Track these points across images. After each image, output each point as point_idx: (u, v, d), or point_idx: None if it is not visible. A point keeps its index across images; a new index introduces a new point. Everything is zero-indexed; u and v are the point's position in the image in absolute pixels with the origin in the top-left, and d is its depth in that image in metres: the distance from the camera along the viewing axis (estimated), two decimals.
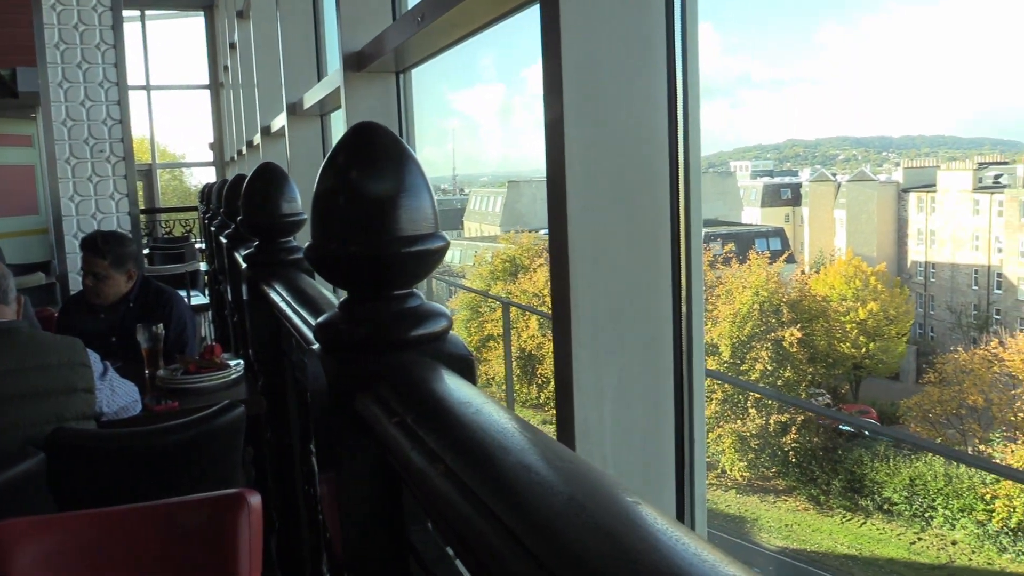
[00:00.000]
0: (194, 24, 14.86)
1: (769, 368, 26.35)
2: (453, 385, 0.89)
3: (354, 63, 3.04)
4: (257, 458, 3.03)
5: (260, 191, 2.13)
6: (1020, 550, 19.82)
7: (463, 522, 0.60)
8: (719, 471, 25.32)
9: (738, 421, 24.71)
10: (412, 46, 2.56)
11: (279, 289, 1.80)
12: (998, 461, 22.33)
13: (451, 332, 1.03)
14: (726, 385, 26.71)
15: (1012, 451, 21.82)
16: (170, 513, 1.67)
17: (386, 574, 0.92)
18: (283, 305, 1.69)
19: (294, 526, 2.06)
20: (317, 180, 1.02)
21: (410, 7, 2.79)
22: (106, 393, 2.52)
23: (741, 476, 24.85)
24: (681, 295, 1.49)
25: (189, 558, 1.65)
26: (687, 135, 1.51)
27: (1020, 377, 23.75)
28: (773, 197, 53.48)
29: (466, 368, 0.98)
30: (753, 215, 51.93)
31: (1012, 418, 23.03)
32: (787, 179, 59.11)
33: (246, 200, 2.18)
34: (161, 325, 3.40)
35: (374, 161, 0.99)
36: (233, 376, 3.23)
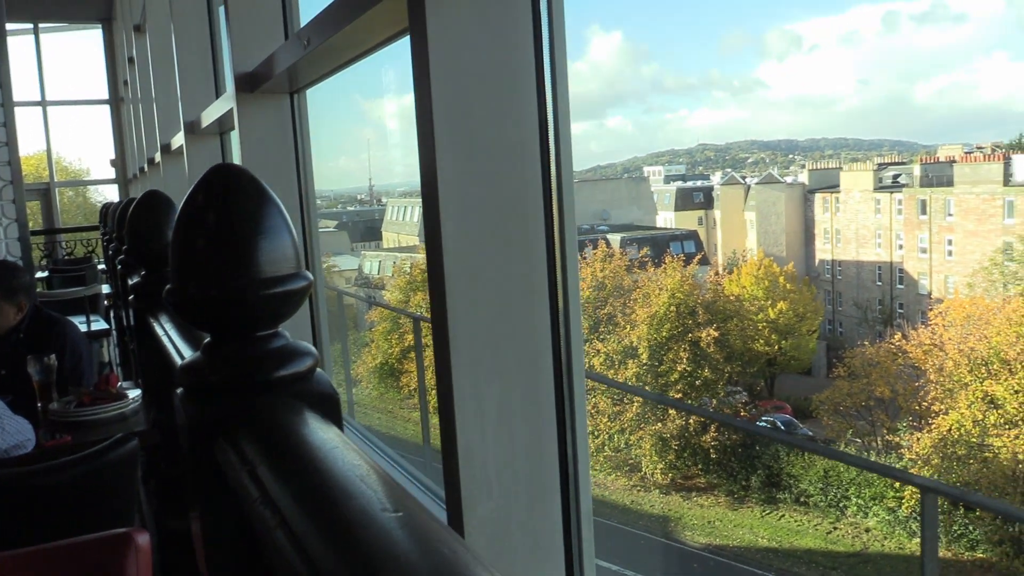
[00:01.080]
0: (92, 37, 14.40)
1: (688, 368, 26.87)
2: (313, 427, 0.89)
3: (247, 84, 3.00)
4: (159, 492, 2.95)
5: (145, 220, 2.08)
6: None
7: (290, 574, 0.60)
8: (642, 474, 25.68)
9: (658, 423, 25.11)
10: (302, 68, 2.54)
11: (163, 323, 1.76)
12: (905, 449, 23.25)
13: (317, 371, 1.03)
14: (647, 387, 27.15)
15: (918, 439, 22.72)
16: (51, 558, 1.62)
17: None
18: (165, 340, 1.65)
19: (187, 564, 2.02)
20: (175, 222, 1.01)
21: (298, 29, 2.77)
22: None
23: (663, 477, 25.24)
24: (559, 312, 1.52)
25: None
26: (559, 152, 1.54)
27: (923, 368, 24.77)
28: (686, 201, 54.66)
29: (330, 407, 0.98)
30: (667, 219, 52.98)
31: (917, 407, 23.99)
32: (699, 183, 60.55)
33: (131, 229, 2.13)
34: (53, 356, 3.28)
35: (232, 203, 0.98)
36: (130, 407, 3.13)
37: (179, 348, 1.47)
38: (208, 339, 1.05)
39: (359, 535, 0.60)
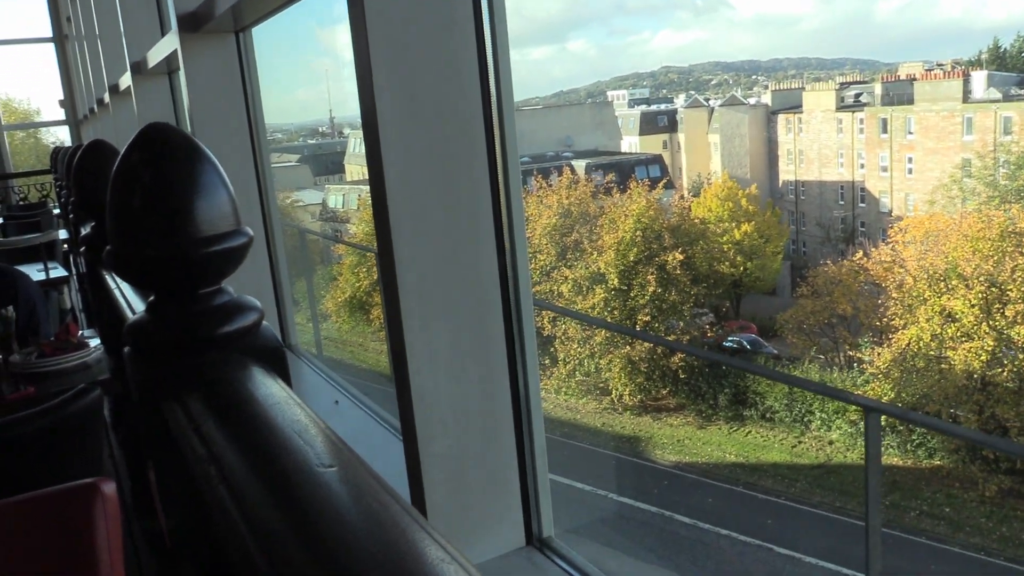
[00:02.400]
0: None
1: (655, 292, 27.16)
2: (258, 382, 0.91)
3: (190, 23, 2.92)
4: (126, 439, 2.98)
5: (91, 172, 2.05)
6: (888, 444, 21.35)
7: (231, 528, 0.64)
8: (612, 397, 26.16)
9: (627, 347, 25.47)
10: (245, 7, 2.48)
11: (114, 275, 1.76)
12: (866, 364, 23.87)
13: (263, 324, 1.05)
14: (615, 311, 27.45)
15: (878, 354, 23.31)
16: (14, 511, 1.64)
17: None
18: (116, 293, 1.65)
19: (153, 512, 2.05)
20: (110, 184, 1.01)
21: None
22: None
23: (632, 399, 25.73)
24: (505, 249, 1.54)
25: (42, 558, 1.63)
26: (499, 87, 1.55)
27: (883, 285, 25.25)
28: (650, 125, 54.45)
29: (277, 360, 1.00)
30: (632, 143, 52.80)
31: (877, 323, 24.54)
32: (663, 106, 60.24)
33: (77, 181, 2.10)
34: (11, 308, 3.25)
35: (167, 163, 0.99)
36: (92, 356, 3.13)
37: (130, 302, 1.48)
38: (153, 297, 1.06)
39: (294, 490, 0.63)
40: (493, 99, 1.62)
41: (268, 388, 0.88)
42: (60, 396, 2.40)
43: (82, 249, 2.15)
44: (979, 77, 40.40)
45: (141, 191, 0.97)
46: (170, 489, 0.95)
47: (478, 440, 1.53)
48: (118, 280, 1.71)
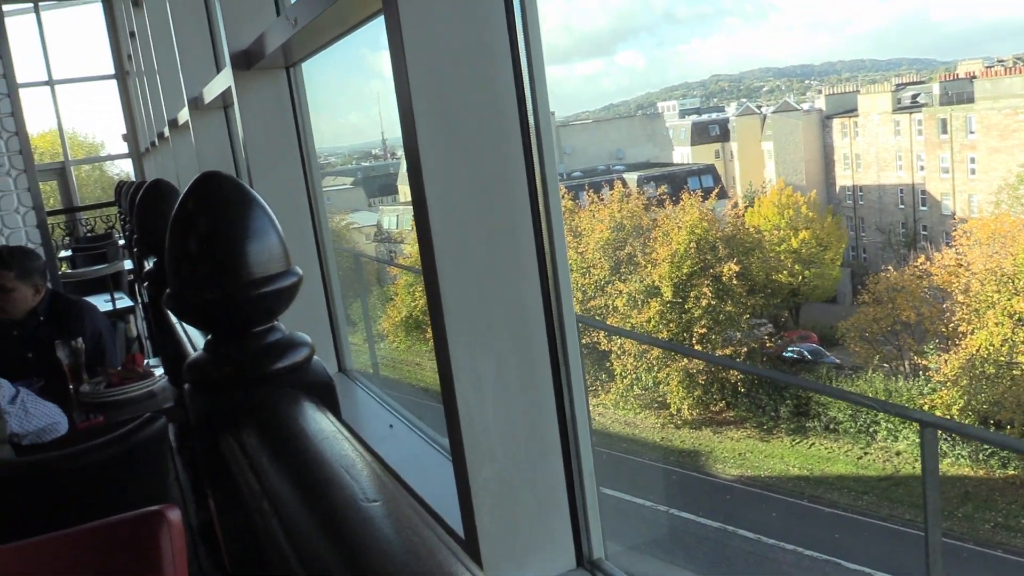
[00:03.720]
0: (93, 12, 14.36)
1: (711, 304, 26.86)
2: (308, 417, 0.96)
3: (242, 61, 3.03)
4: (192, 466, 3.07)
5: (151, 211, 2.15)
6: (959, 453, 20.75)
7: (283, 561, 0.68)
8: (672, 410, 25.90)
9: (684, 359, 25.23)
10: (294, 45, 2.57)
11: None
12: (932, 371, 23.24)
13: (314, 359, 1.10)
14: (671, 324, 27.21)
15: (946, 361, 22.69)
16: (82, 541, 1.72)
17: None
18: (179, 328, 1.73)
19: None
20: (168, 230, 1.07)
21: (286, 8, 2.80)
22: (18, 416, 2.53)
23: (691, 413, 25.45)
24: (548, 273, 1.58)
25: None
26: (538, 126, 1.58)
27: (948, 290, 24.61)
28: (702, 135, 53.99)
29: (327, 394, 1.05)
30: (684, 154, 52.43)
31: (943, 330, 23.90)
32: (714, 115, 59.69)
33: (139, 219, 2.20)
34: (80, 339, 3.39)
35: (220, 210, 1.04)
36: (158, 384, 3.24)
37: (191, 337, 1.55)
38: (210, 336, 1.12)
39: (340, 525, 0.67)
40: (531, 120, 1.65)
41: (318, 423, 0.92)
42: (128, 424, 2.49)
43: (145, 284, 2.25)
44: None
45: (196, 238, 1.04)
46: (229, 519, 1.00)
47: (526, 464, 1.56)
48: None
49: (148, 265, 2.34)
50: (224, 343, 1.07)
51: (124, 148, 15.43)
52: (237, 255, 1.02)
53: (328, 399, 1.05)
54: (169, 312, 1.93)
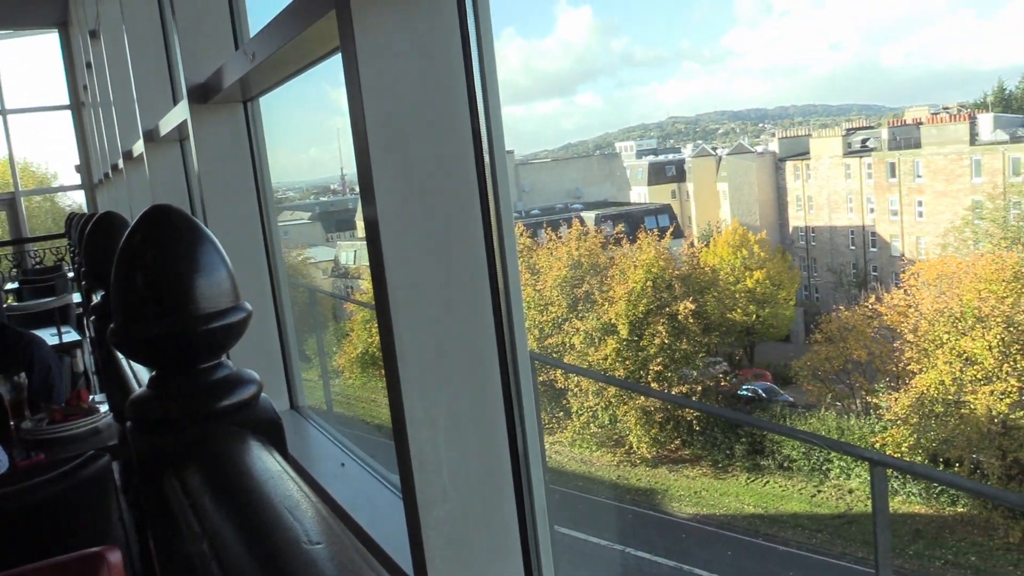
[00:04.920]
0: (49, 41, 14.19)
1: (667, 342, 27.05)
2: (254, 456, 0.94)
3: (199, 95, 3.01)
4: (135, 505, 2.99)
5: (100, 242, 2.10)
6: (910, 491, 21.02)
7: None
8: (627, 448, 25.92)
9: (641, 397, 25.33)
10: (252, 79, 2.56)
11: None
12: (883, 409, 23.60)
13: (261, 396, 1.08)
14: (627, 362, 27.32)
15: (896, 399, 23.07)
16: None
17: None
18: (124, 364, 1.69)
19: None
20: (115, 263, 1.05)
21: (244, 42, 2.79)
22: None
23: (648, 450, 25.49)
24: (502, 311, 1.58)
25: None
26: (493, 164, 1.59)
27: (898, 329, 25.10)
28: (659, 175, 54.81)
29: (274, 432, 1.03)
30: (641, 193, 53.14)
31: (893, 369, 24.33)
32: (671, 156, 60.66)
33: (87, 252, 2.16)
34: (23, 374, 3.30)
35: (169, 243, 1.03)
36: (103, 420, 3.16)
37: (136, 373, 1.51)
38: (154, 372, 1.09)
39: (282, 567, 0.66)
40: (486, 159, 1.66)
41: (264, 462, 0.90)
42: (70, 463, 2.42)
43: (92, 317, 2.20)
44: (985, 120, 40.64)
45: (143, 271, 1.02)
46: (168, 562, 0.97)
47: (478, 504, 1.55)
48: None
49: (96, 299, 2.29)
50: (169, 379, 1.05)
51: (77, 179, 15.18)
52: (184, 290, 1.00)
53: (275, 437, 1.03)
54: (114, 348, 1.89)
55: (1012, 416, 20.87)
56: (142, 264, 1.02)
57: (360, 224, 50.37)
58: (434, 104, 1.61)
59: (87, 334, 5.93)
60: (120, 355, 1.75)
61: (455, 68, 1.63)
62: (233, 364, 1.09)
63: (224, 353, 1.09)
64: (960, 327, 22.75)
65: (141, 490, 1.00)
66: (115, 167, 7.75)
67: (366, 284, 35.86)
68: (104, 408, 3.20)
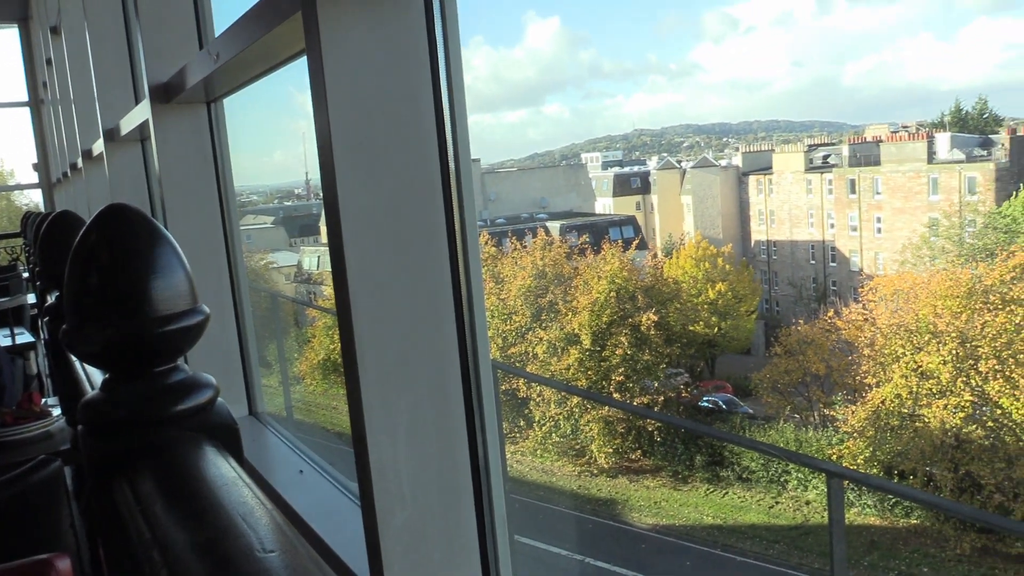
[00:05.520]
0: (7, 37, 13.90)
1: (629, 352, 27.18)
2: (209, 461, 0.92)
3: (162, 94, 2.97)
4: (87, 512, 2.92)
5: (56, 241, 2.06)
6: (865, 503, 21.31)
7: None
8: (588, 458, 25.99)
9: (604, 407, 25.41)
10: (215, 80, 2.53)
11: None
12: (840, 422, 23.93)
13: (218, 401, 1.06)
14: (589, 372, 27.40)
15: (853, 412, 23.40)
16: None
17: None
18: (77, 366, 1.65)
19: None
20: (68, 262, 1.03)
21: (208, 42, 2.76)
22: None
23: (608, 461, 25.58)
24: (464, 319, 1.57)
25: None
26: (458, 170, 1.59)
27: (855, 343, 25.48)
28: (624, 186, 55.22)
29: (230, 438, 1.01)
30: (606, 205, 53.47)
31: (851, 382, 24.69)
32: (636, 168, 61.20)
33: (42, 250, 2.11)
34: None
35: (125, 243, 1.01)
36: (55, 424, 3.09)
37: (89, 376, 1.48)
38: (108, 375, 1.07)
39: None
40: (452, 166, 1.66)
41: (218, 468, 0.88)
42: (20, 467, 2.36)
43: (46, 319, 2.15)
44: (943, 139, 41.55)
45: (98, 271, 0.99)
46: (118, 570, 0.95)
47: (438, 511, 1.53)
48: None
49: (50, 299, 2.24)
50: (122, 382, 1.02)
51: (34, 178, 14.87)
52: (140, 291, 0.98)
53: (231, 443, 1.01)
54: (66, 350, 1.85)
55: (965, 430, 21.27)
56: (97, 264, 1.00)
57: (324, 229, 50.02)
58: (400, 109, 1.60)
59: (41, 336, 5.81)
60: (73, 357, 1.71)
61: (422, 74, 1.62)
62: (190, 368, 1.07)
63: (180, 356, 1.07)
64: (916, 342, 23.16)
65: (92, 496, 0.97)
66: (74, 166, 7.62)
67: (329, 290, 35.57)
68: (57, 412, 3.13)
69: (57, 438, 3.07)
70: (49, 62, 9.21)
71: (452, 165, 1.65)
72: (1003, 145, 38.29)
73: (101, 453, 0.97)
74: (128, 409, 0.99)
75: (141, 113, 3.47)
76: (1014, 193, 33.53)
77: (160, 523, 0.78)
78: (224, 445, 0.99)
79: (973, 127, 52.10)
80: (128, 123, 4.08)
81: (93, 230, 1.03)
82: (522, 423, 26.61)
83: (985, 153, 39.21)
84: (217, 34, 2.79)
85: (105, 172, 4.74)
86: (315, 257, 42.24)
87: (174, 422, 1.00)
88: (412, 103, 1.61)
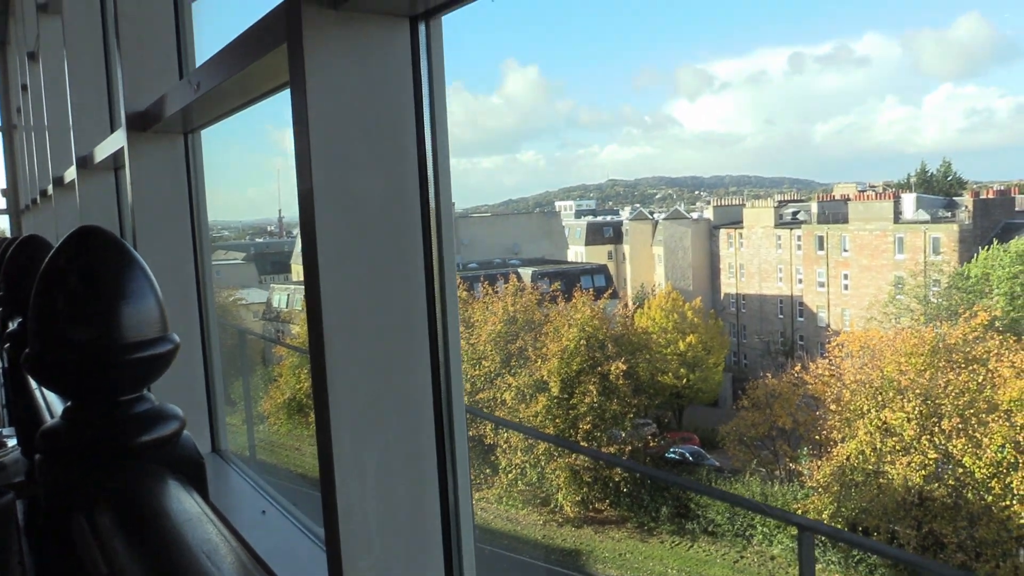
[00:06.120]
0: None
1: (597, 401, 27.12)
2: (172, 496, 0.88)
3: (139, 123, 2.94)
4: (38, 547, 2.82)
5: (21, 266, 2.01)
6: (829, 559, 21.26)
7: None
8: (552, 506, 25.73)
9: (571, 455, 25.24)
10: (195, 110, 2.51)
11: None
12: (806, 477, 23.96)
13: (184, 433, 1.02)
14: (557, 420, 27.26)
15: (818, 467, 23.45)
16: None
17: None
18: (38, 394, 1.60)
19: None
20: (35, 284, 0.99)
21: (190, 72, 2.74)
22: None
23: (573, 511, 25.35)
24: (439, 363, 1.54)
25: None
26: (439, 213, 1.57)
27: (822, 398, 25.63)
28: (596, 235, 55.64)
29: (195, 472, 0.97)
30: (578, 253, 53.78)
31: (817, 437, 24.77)
32: (609, 218, 61.74)
33: (6, 274, 2.05)
34: None
35: (96, 266, 0.97)
36: (9, 456, 2.99)
37: (50, 405, 1.43)
38: (70, 403, 1.03)
39: None
40: (432, 209, 1.64)
41: (182, 503, 0.84)
42: None
43: (7, 345, 2.09)
44: (909, 199, 42.47)
45: (65, 295, 0.96)
46: None
47: (405, 558, 1.49)
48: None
49: (12, 325, 2.18)
50: (85, 410, 0.98)
51: (2, 203, 14.65)
52: (109, 316, 0.95)
53: (196, 478, 0.97)
54: (29, 375, 1.79)
55: (928, 488, 21.38)
56: (64, 286, 0.97)
57: (295, 267, 49.78)
58: (382, 146, 1.58)
59: (1, 363, 5.67)
60: (33, 383, 1.66)
61: (406, 112, 1.61)
62: (155, 399, 1.03)
63: (146, 386, 1.03)
64: (881, 398, 23.35)
65: (46, 529, 0.92)
66: (44, 193, 7.52)
67: (297, 329, 35.27)
68: (12, 443, 3.02)
69: (10, 470, 2.96)
70: (25, 88, 9.14)
71: (433, 205, 1.64)
72: (967, 207, 39.20)
73: (59, 484, 0.93)
74: (91, 438, 0.94)
75: (116, 141, 3.43)
76: (975, 255, 34.22)
77: (119, 559, 0.74)
78: (189, 480, 0.95)
79: (938, 189, 53.38)
80: (102, 151, 4.03)
81: (63, 252, 0.99)
82: (487, 470, 26.34)
83: (949, 214, 40.10)
84: (198, 64, 2.78)
85: (76, 200, 4.67)
86: (285, 295, 41.93)
87: (138, 454, 0.96)
88: (395, 141, 1.60)
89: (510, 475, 26.06)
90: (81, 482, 0.94)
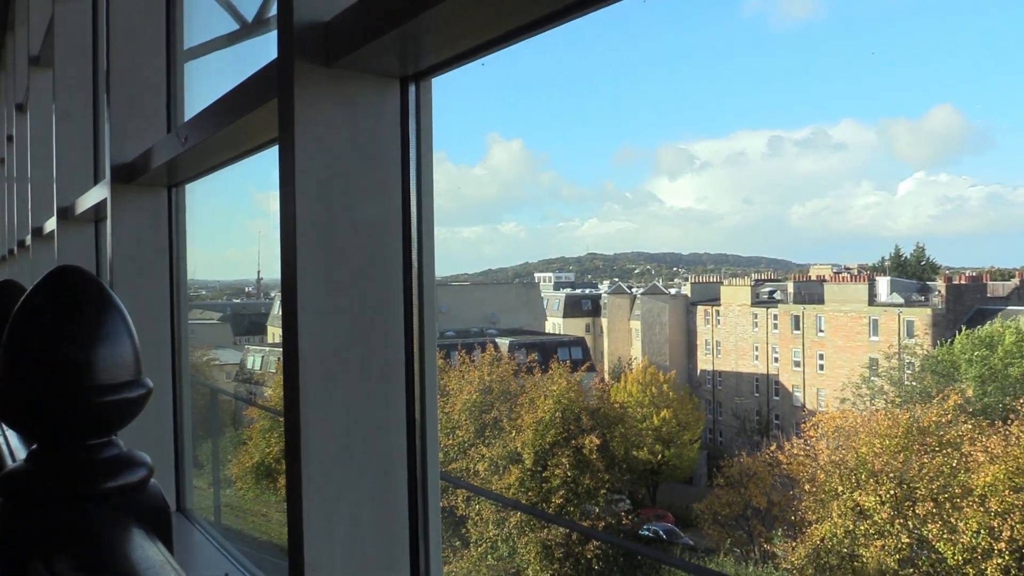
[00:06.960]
0: None
1: (571, 475, 26.80)
2: (135, 545, 0.85)
3: (123, 175, 2.94)
4: None
5: None
6: None
7: None
8: None
9: (543, 529, 24.82)
10: (181, 163, 2.52)
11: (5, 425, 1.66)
12: (780, 559, 23.67)
13: (151, 481, 0.99)
14: (530, 493, 26.86)
15: (793, 548, 23.18)
16: None
17: None
18: (2, 436, 1.55)
19: None
20: (9, 322, 0.97)
21: (178, 125, 2.76)
22: None
23: None
24: (416, 431, 1.52)
25: None
26: (421, 271, 1.57)
27: (797, 478, 25.48)
28: (575, 308, 55.83)
29: (160, 521, 0.94)
30: (556, 324, 53.84)
31: (791, 517, 24.56)
32: (587, 291, 62.07)
33: None
34: None
35: (72, 306, 0.96)
36: None
37: (13, 450, 1.39)
38: (36, 445, 1.00)
39: None
40: (415, 272, 1.64)
41: (145, 552, 0.82)
42: None
43: None
44: (883, 282, 43.11)
45: (39, 333, 0.94)
46: None
47: None
48: (6, 430, 1.61)
49: None
50: (51, 453, 0.95)
51: None
52: (81, 356, 0.93)
53: (161, 527, 0.94)
54: None
55: (902, 573, 21.15)
56: (39, 324, 0.95)
57: (272, 329, 49.41)
58: (368, 207, 1.59)
59: None
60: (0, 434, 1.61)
61: (392, 173, 1.63)
62: (122, 444, 1.01)
63: (116, 431, 1.01)
64: (855, 480, 23.25)
65: (2, 575, 0.89)
66: (22, 243, 7.47)
67: (270, 391, 34.81)
68: None
69: None
70: (11, 138, 9.16)
71: (416, 269, 1.64)
72: (939, 292, 39.81)
73: (19, 529, 0.90)
74: (55, 483, 0.92)
75: (99, 192, 3.43)
76: (948, 339, 34.60)
77: None
78: (153, 529, 0.93)
79: (911, 273, 54.24)
80: (84, 202, 4.02)
81: (40, 290, 0.98)
82: (457, 542, 25.81)
83: (923, 298, 40.67)
84: (187, 118, 2.80)
85: (54, 251, 4.64)
86: (259, 357, 41.53)
87: (102, 500, 0.93)
88: (380, 201, 1.60)
89: (480, 548, 25.54)
90: (42, 527, 0.91)
